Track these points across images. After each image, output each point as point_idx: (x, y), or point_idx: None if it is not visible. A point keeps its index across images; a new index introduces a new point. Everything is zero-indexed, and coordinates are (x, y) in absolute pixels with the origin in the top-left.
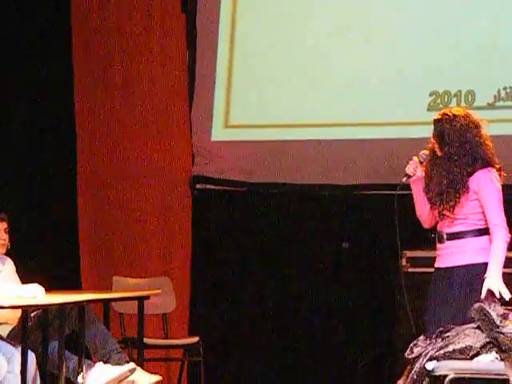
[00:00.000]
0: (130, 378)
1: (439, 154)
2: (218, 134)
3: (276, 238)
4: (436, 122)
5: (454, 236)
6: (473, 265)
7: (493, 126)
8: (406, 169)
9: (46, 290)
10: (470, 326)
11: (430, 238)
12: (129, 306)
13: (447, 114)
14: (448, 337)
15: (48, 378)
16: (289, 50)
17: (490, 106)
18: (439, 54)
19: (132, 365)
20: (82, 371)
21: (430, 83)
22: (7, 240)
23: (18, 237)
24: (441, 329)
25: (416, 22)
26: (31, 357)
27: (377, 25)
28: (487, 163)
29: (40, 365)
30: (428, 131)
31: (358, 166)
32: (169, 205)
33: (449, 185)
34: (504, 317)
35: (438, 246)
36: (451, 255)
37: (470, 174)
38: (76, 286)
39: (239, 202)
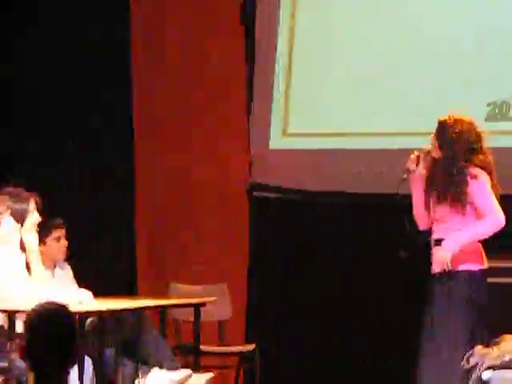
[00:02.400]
0: (186, 383)
1: (436, 155)
2: (276, 142)
3: (332, 246)
4: (440, 123)
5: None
6: (460, 271)
7: None
8: (408, 164)
9: (102, 296)
10: None
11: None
12: (185, 313)
13: (451, 118)
14: (505, 346)
15: None
16: (345, 57)
17: None
18: (497, 64)
19: (188, 371)
20: (138, 377)
21: (488, 93)
22: (66, 246)
23: (75, 242)
24: (497, 338)
25: (468, 29)
26: (88, 363)
27: (432, 34)
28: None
29: (97, 371)
30: (491, 141)
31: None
32: (226, 212)
33: (449, 187)
34: None
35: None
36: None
37: (466, 178)
38: (132, 292)
39: (296, 210)
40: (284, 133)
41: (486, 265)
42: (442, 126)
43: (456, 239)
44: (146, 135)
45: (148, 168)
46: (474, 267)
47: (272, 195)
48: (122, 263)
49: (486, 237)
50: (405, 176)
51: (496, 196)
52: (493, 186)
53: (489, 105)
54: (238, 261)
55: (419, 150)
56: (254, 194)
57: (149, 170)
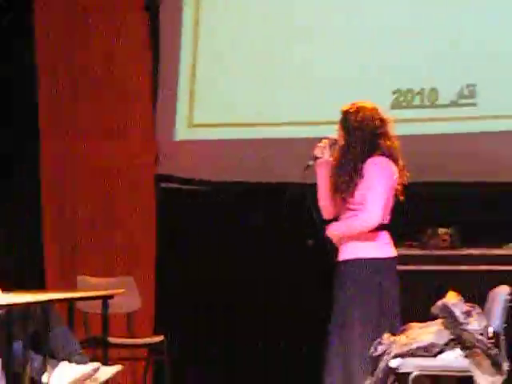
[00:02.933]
0: (94, 376)
1: (341, 143)
2: (182, 133)
3: (241, 235)
4: (343, 112)
5: None
6: (362, 259)
7: (457, 123)
8: (315, 151)
9: (9, 290)
10: (433, 323)
11: None
12: (93, 306)
13: (354, 106)
14: (412, 334)
15: (12, 378)
16: (251, 50)
17: (453, 104)
18: (402, 53)
19: (96, 364)
20: (46, 371)
21: (393, 81)
22: None
23: None
24: (404, 326)
25: (378, 21)
26: None
27: (339, 24)
28: (386, 156)
29: (4, 364)
30: (397, 128)
31: None
32: (132, 203)
33: (346, 173)
34: (467, 314)
35: None
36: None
37: (364, 163)
38: (40, 286)
39: (203, 200)
40: (189, 123)
41: (393, 253)
42: (345, 115)
43: (337, 227)
44: (53, 122)
45: (54, 156)
46: (378, 254)
47: (179, 186)
48: (30, 255)
49: (358, 232)
50: (311, 163)
51: (403, 182)
52: (399, 173)
53: (394, 93)
54: (146, 252)
55: (326, 138)
56: (162, 185)
57: (55, 158)
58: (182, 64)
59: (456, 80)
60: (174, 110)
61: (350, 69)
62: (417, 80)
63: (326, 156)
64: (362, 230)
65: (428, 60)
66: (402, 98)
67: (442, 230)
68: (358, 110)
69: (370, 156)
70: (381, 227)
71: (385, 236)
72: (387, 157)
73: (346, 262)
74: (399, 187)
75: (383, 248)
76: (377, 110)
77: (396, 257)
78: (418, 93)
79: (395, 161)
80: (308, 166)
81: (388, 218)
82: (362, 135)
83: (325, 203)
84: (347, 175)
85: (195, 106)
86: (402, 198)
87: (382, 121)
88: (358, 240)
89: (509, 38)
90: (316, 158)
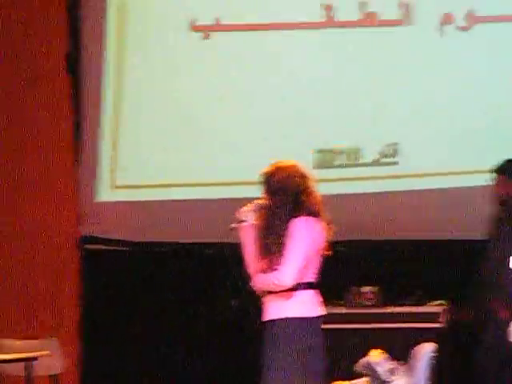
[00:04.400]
0: None
1: (266, 204)
2: (104, 194)
3: (163, 296)
4: (263, 174)
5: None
6: (286, 319)
7: (379, 182)
8: (239, 214)
9: None
10: (359, 381)
11: None
12: (17, 368)
13: (273, 167)
14: None
15: None
16: (175, 105)
17: (376, 163)
18: (323, 111)
19: None
20: None
21: (315, 140)
22: None
23: None
24: None
25: (300, 77)
26: None
27: (259, 82)
28: (311, 213)
29: None
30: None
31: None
32: (57, 264)
33: (274, 234)
34: (391, 372)
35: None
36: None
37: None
38: None
39: (127, 260)
40: (112, 185)
41: (319, 312)
42: (266, 177)
43: (258, 279)
44: None
45: None
46: (303, 314)
47: (103, 247)
48: None
49: (272, 289)
50: (234, 225)
51: (328, 237)
52: (325, 229)
53: (316, 152)
54: (71, 313)
55: (251, 202)
56: (86, 246)
57: None
58: (105, 122)
59: (379, 139)
60: (95, 172)
61: (271, 128)
62: (339, 139)
63: (250, 220)
64: (274, 288)
65: (351, 119)
66: (324, 158)
67: (365, 289)
68: (277, 170)
69: (296, 216)
70: (306, 286)
71: (310, 295)
72: (313, 214)
73: (271, 321)
74: (325, 244)
75: (307, 307)
76: (296, 166)
77: (321, 316)
78: (341, 151)
79: (320, 217)
80: (232, 228)
81: (314, 276)
82: (285, 195)
83: (253, 266)
84: (276, 236)
85: (117, 166)
86: (328, 253)
87: (303, 177)
88: (283, 299)
89: (431, 97)
90: (240, 222)
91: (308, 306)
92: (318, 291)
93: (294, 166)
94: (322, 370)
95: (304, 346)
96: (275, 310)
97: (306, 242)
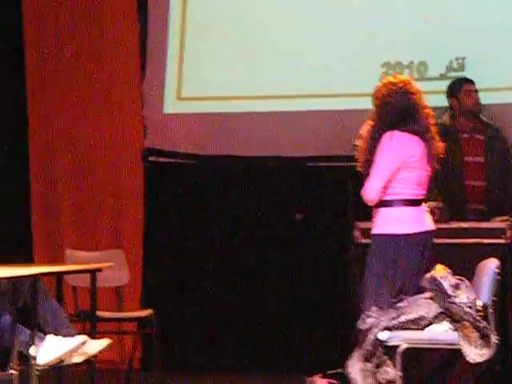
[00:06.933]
0: (82, 350)
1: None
2: (170, 106)
3: (228, 210)
4: (376, 88)
5: (377, 205)
6: (380, 235)
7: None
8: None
9: None
10: (422, 296)
11: None
12: (82, 279)
13: (385, 80)
14: (401, 307)
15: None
16: (239, 23)
17: (443, 77)
18: (391, 26)
19: (83, 337)
20: (33, 344)
21: (382, 55)
22: None
23: None
24: (393, 299)
25: None
26: None
27: None
28: (415, 129)
29: None
30: None
31: (309, 138)
32: (121, 177)
33: (371, 150)
34: (456, 287)
35: None
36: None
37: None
38: (28, 259)
39: (191, 174)
40: (178, 96)
41: (407, 229)
42: (372, 98)
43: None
44: (39, 96)
45: (42, 132)
46: (392, 231)
47: (167, 160)
48: (18, 230)
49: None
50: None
51: (434, 153)
52: (428, 143)
53: (382, 66)
54: (134, 226)
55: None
56: (150, 158)
57: (43, 135)
58: (171, 37)
59: (445, 53)
60: (163, 83)
61: (339, 43)
62: (406, 53)
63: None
64: (368, 203)
65: (417, 33)
66: (391, 71)
67: (431, 204)
68: (384, 85)
69: (392, 129)
70: (402, 202)
71: (404, 212)
72: (411, 130)
73: (372, 235)
74: (429, 160)
75: (397, 225)
76: (407, 82)
77: (413, 233)
78: (407, 66)
79: (424, 133)
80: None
81: (412, 192)
82: (386, 111)
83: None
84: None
85: (184, 78)
86: (436, 168)
87: (413, 93)
88: (377, 215)
89: (497, 12)
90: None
91: (398, 223)
92: (418, 208)
93: (407, 82)
94: (409, 286)
95: (389, 261)
96: (374, 224)
97: (388, 157)
